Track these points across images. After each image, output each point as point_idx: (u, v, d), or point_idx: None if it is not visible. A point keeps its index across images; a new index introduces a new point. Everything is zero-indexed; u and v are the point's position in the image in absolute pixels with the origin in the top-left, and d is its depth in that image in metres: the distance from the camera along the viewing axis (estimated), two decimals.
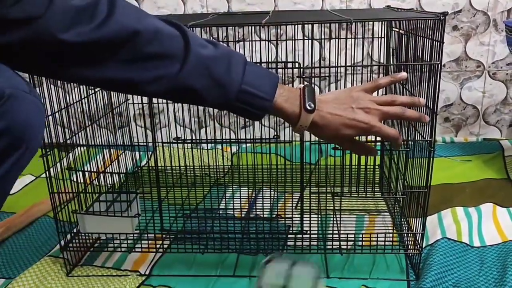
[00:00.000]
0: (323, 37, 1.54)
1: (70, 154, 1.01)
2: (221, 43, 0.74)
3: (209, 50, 0.68)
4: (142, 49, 0.63)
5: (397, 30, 1.06)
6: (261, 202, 1.28)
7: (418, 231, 0.96)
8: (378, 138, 0.86)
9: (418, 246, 0.97)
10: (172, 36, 0.66)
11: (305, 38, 1.13)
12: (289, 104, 0.73)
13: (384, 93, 1.24)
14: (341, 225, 1.13)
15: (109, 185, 1.14)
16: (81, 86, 1.08)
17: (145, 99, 1.17)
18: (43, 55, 0.59)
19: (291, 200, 1.31)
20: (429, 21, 0.84)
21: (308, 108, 0.73)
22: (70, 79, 0.67)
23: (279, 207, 1.27)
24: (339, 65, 0.94)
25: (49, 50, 0.59)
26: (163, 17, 0.68)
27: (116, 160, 1.19)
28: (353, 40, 1.19)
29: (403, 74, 0.80)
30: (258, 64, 0.78)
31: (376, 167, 1.32)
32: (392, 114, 0.77)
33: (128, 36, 0.62)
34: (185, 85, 0.67)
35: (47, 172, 0.96)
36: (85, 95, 1.08)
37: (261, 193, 1.33)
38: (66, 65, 0.61)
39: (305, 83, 0.83)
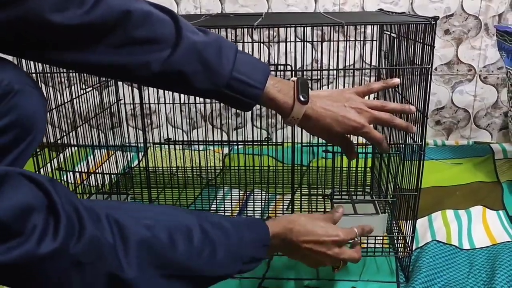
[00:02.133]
0: (315, 39, 1.55)
1: (61, 154, 1.01)
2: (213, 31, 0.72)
3: (200, 36, 0.68)
4: (132, 33, 0.62)
5: (389, 33, 1.07)
6: (253, 203, 1.28)
7: (408, 233, 0.97)
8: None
9: (408, 248, 0.98)
10: (163, 21, 0.65)
11: (298, 40, 1.14)
12: (282, 95, 0.72)
13: (376, 96, 1.24)
14: None
15: (100, 186, 1.14)
16: (73, 86, 1.08)
17: (137, 99, 1.17)
18: (31, 36, 0.58)
19: (282, 202, 1.31)
20: (420, 25, 0.84)
21: (302, 99, 0.72)
22: (57, 63, 0.66)
23: (270, 209, 1.27)
24: (331, 67, 0.94)
25: (38, 31, 0.58)
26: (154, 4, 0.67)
27: (107, 161, 1.19)
28: (345, 42, 1.20)
29: (396, 80, 0.80)
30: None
31: (368, 169, 1.32)
32: (382, 119, 0.77)
33: (118, 17, 0.60)
34: (175, 70, 0.66)
35: (37, 172, 0.96)
36: (77, 95, 1.07)
37: (253, 194, 1.33)
38: (54, 48, 0.60)
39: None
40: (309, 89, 0.75)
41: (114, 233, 0.55)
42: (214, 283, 0.67)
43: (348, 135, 0.79)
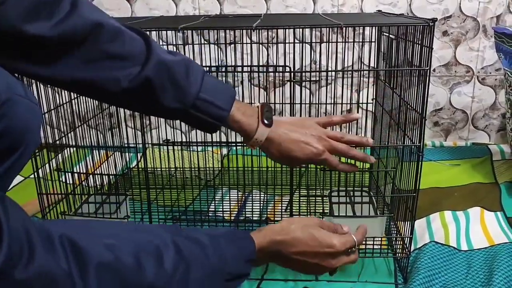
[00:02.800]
0: (314, 40, 1.55)
1: (60, 155, 1.01)
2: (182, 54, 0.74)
3: (170, 56, 0.69)
4: (104, 47, 0.62)
5: (388, 34, 1.07)
6: (251, 204, 1.28)
7: (407, 235, 0.97)
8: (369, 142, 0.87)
9: (407, 250, 0.98)
10: (134, 39, 0.66)
11: (296, 41, 1.14)
12: (247, 118, 0.75)
13: (374, 98, 1.25)
14: None
15: (98, 187, 1.14)
16: None
17: None
18: (2, 45, 0.57)
19: (280, 203, 1.31)
20: (419, 26, 0.85)
21: (266, 122, 0.75)
22: (26, 75, 0.65)
23: (269, 210, 1.27)
24: (330, 68, 0.94)
25: (8, 40, 0.57)
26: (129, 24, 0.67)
27: (106, 162, 1.19)
28: (344, 44, 1.20)
29: (356, 115, 0.85)
30: (247, 67, 0.79)
31: (366, 169, 1.33)
32: (339, 150, 0.80)
33: (90, 29, 0.60)
34: (144, 87, 0.67)
35: (35, 173, 0.95)
36: (76, 96, 1.07)
37: (251, 195, 1.33)
38: (25, 59, 0.60)
39: (296, 86, 0.84)
40: (273, 115, 0.78)
41: (69, 259, 0.51)
42: None
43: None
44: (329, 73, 1.51)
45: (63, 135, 1.02)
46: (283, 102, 1.52)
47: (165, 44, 1.39)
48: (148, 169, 1.31)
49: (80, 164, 1.08)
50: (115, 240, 0.57)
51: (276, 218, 1.21)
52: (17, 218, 0.48)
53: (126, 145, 1.33)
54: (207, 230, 0.70)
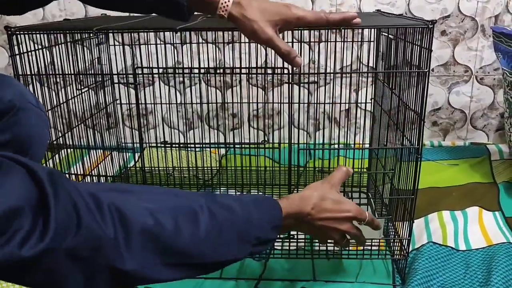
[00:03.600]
0: (312, 40, 1.55)
1: (57, 155, 1.00)
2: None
3: None
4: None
5: (387, 35, 1.07)
6: None
7: (405, 236, 0.97)
8: (367, 143, 0.87)
9: (405, 251, 0.98)
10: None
11: (295, 41, 1.14)
12: None
13: (373, 98, 1.24)
14: None
15: None
16: (68, 87, 1.07)
17: (134, 100, 1.17)
18: None
19: None
20: (418, 28, 0.84)
21: None
22: None
23: None
24: (328, 69, 0.94)
25: None
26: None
27: (103, 161, 1.18)
28: (342, 43, 1.20)
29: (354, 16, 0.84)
30: (245, 69, 0.79)
31: (364, 170, 1.33)
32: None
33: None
34: None
35: None
36: (73, 96, 1.07)
37: None
38: None
39: (294, 86, 0.83)
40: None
41: (116, 224, 0.54)
42: (222, 267, 0.67)
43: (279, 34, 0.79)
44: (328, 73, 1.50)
45: (60, 135, 1.02)
46: (282, 102, 1.52)
47: (163, 43, 1.39)
48: (146, 169, 1.31)
49: (78, 164, 1.08)
50: (156, 204, 0.60)
51: None
52: (63, 185, 0.50)
53: (123, 144, 1.32)
54: (238, 196, 0.72)
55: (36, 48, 0.96)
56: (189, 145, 1.16)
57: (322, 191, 0.79)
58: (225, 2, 0.74)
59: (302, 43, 1.45)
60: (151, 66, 1.14)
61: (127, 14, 1.68)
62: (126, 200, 0.57)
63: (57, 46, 1.01)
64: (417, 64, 0.85)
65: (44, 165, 0.98)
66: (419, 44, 0.84)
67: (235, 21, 0.76)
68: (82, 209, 0.51)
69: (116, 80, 1.28)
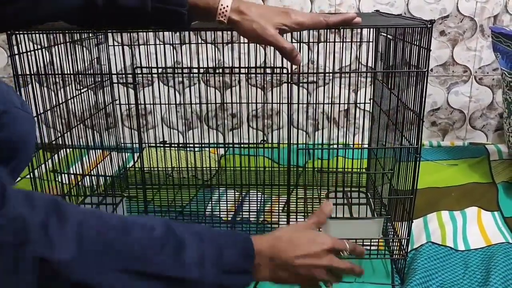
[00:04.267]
0: (311, 40, 1.55)
1: (56, 155, 1.00)
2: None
3: None
4: None
5: (385, 35, 1.07)
6: (248, 205, 1.28)
7: (404, 236, 0.97)
8: (365, 143, 0.87)
9: (404, 251, 0.98)
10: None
11: (294, 41, 1.14)
12: None
13: (372, 98, 1.24)
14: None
15: (95, 187, 1.13)
16: (68, 87, 1.07)
17: (133, 100, 1.17)
18: None
19: (278, 203, 1.31)
20: (417, 28, 0.84)
21: None
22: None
23: (266, 210, 1.27)
24: (327, 69, 0.94)
25: None
26: None
27: (102, 162, 1.18)
28: (341, 44, 1.20)
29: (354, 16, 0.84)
30: (249, 69, 0.78)
31: (363, 170, 1.33)
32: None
33: None
34: None
35: (31, 173, 0.95)
36: (72, 96, 1.07)
37: (249, 196, 1.33)
38: None
39: (294, 86, 0.83)
40: None
41: (48, 211, 0.48)
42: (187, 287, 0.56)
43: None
44: (327, 73, 1.50)
45: (59, 135, 1.02)
46: (281, 102, 1.52)
47: (162, 43, 1.39)
48: (145, 169, 1.31)
49: (77, 164, 1.08)
50: (98, 213, 0.53)
51: (273, 219, 1.21)
52: None
53: (123, 145, 1.32)
54: (202, 225, 0.67)
55: (35, 48, 0.96)
56: (188, 145, 1.16)
57: (295, 229, 0.72)
58: (224, 8, 0.75)
59: (301, 43, 1.45)
60: (150, 66, 1.14)
61: None
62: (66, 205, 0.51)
63: (56, 46, 1.01)
64: (416, 64, 0.85)
65: (43, 165, 0.98)
66: (418, 44, 0.84)
67: (235, 25, 0.76)
68: (9, 192, 0.46)
69: (115, 80, 1.28)
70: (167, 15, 0.75)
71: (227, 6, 0.75)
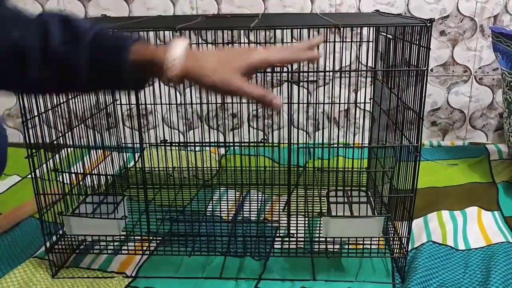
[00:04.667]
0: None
1: (57, 155, 1.01)
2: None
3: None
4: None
5: (385, 34, 1.07)
6: (249, 204, 1.28)
7: (404, 235, 0.97)
8: (366, 143, 0.87)
9: (404, 250, 0.98)
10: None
11: (294, 41, 1.14)
12: (151, 49, 0.64)
13: (372, 97, 1.25)
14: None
15: (96, 187, 1.13)
16: None
17: (134, 100, 1.17)
18: None
19: (278, 202, 1.31)
20: (416, 27, 0.85)
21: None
22: None
23: (266, 210, 1.27)
24: (328, 68, 0.94)
25: None
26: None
27: (103, 161, 1.19)
28: (341, 43, 1.20)
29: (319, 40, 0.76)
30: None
31: (363, 169, 1.33)
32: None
33: None
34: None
35: (33, 173, 0.95)
36: (73, 96, 1.07)
37: (249, 195, 1.33)
38: None
39: (294, 86, 0.83)
40: None
41: None
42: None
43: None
44: (327, 73, 1.51)
45: (60, 135, 1.02)
46: (281, 102, 1.52)
47: (163, 43, 1.39)
48: (146, 168, 1.31)
49: (78, 163, 1.08)
50: None
51: (274, 218, 1.21)
52: None
53: (123, 144, 1.33)
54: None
55: None
56: (188, 144, 1.16)
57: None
58: (172, 59, 0.61)
59: None
60: None
61: (126, 14, 1.68)
62: None
63: None
64: (415, 63, 0.85)
65: (44, 165, 0.98)
66: (417, 43, 0.84)
67: (191, 78, 0.64)
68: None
69: None
70: (105, 75, 0.63)
71: (176, 57, 0.61)
